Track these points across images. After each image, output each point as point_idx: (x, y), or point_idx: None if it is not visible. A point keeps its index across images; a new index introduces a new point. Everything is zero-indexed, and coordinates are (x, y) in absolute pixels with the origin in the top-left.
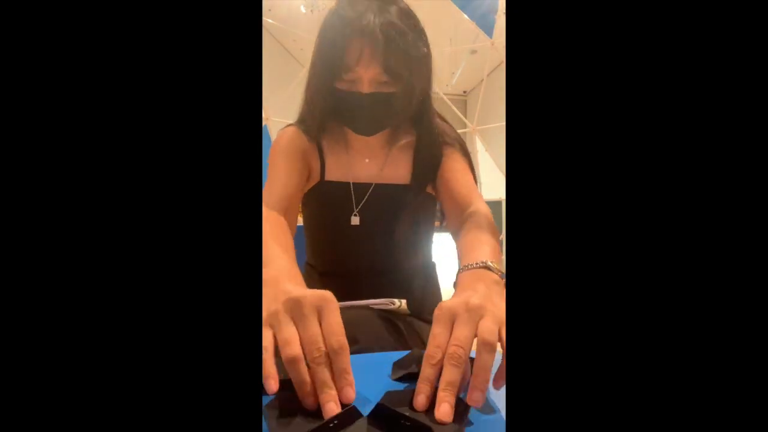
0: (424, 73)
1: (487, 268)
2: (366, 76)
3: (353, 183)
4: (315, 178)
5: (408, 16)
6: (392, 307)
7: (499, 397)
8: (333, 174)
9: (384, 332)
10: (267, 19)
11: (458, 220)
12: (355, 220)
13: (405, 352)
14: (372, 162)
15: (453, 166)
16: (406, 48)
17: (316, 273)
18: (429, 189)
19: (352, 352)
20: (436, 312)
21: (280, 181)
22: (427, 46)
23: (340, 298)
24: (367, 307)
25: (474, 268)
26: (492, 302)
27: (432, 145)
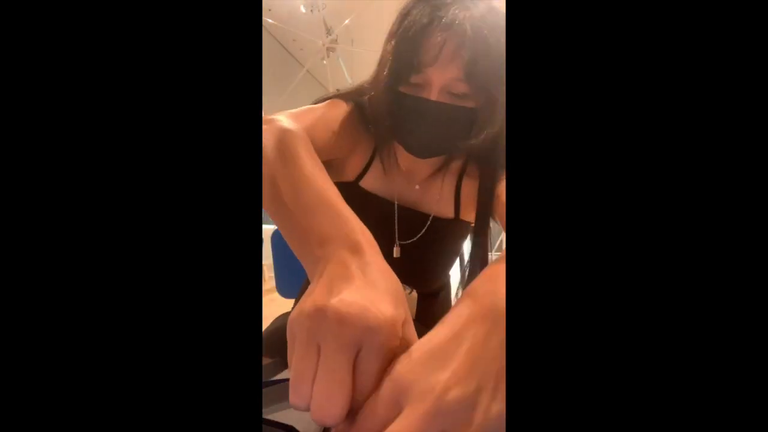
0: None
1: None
2: (437, 81)
3: (398, 205)
4: (348, 174)
5: (498, 15)
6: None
7: None
8: (371, 182)
9: None
10: (267, 19)
11: None
12: (396, 251)
13: None
14: (420, 189)
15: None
16: (497, 53)
17: None
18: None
19: None
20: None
21: (323, 120)
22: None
23: None
24: None
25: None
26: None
27: (495, 184)
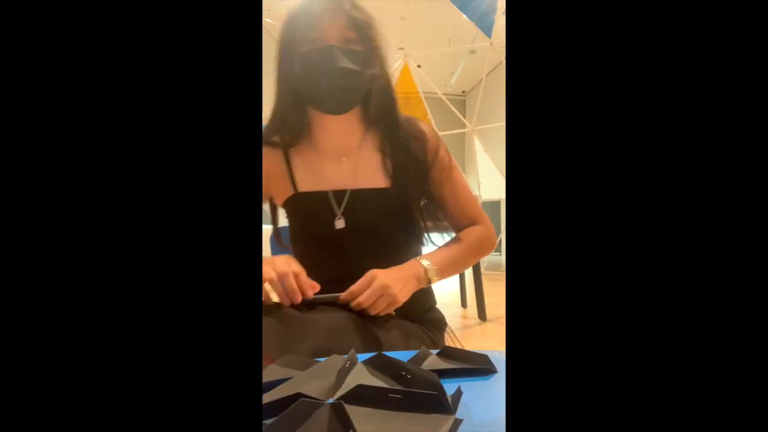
0: (384, 55)
1: (424, 268)
2: (330, 30)
3: (331, 191)
4: (287, 192)
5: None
6: None
7: (498, 396)
8: (307, 183)
9: (357, 341)
10: (267, 19)
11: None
12: (339, 223)
13: (411, 353)
14: (347, 162)
15: (445, 180)
16: (367, 20)
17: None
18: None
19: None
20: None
21: None
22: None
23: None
24: (346, 307)
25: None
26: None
27: (407, 147)
